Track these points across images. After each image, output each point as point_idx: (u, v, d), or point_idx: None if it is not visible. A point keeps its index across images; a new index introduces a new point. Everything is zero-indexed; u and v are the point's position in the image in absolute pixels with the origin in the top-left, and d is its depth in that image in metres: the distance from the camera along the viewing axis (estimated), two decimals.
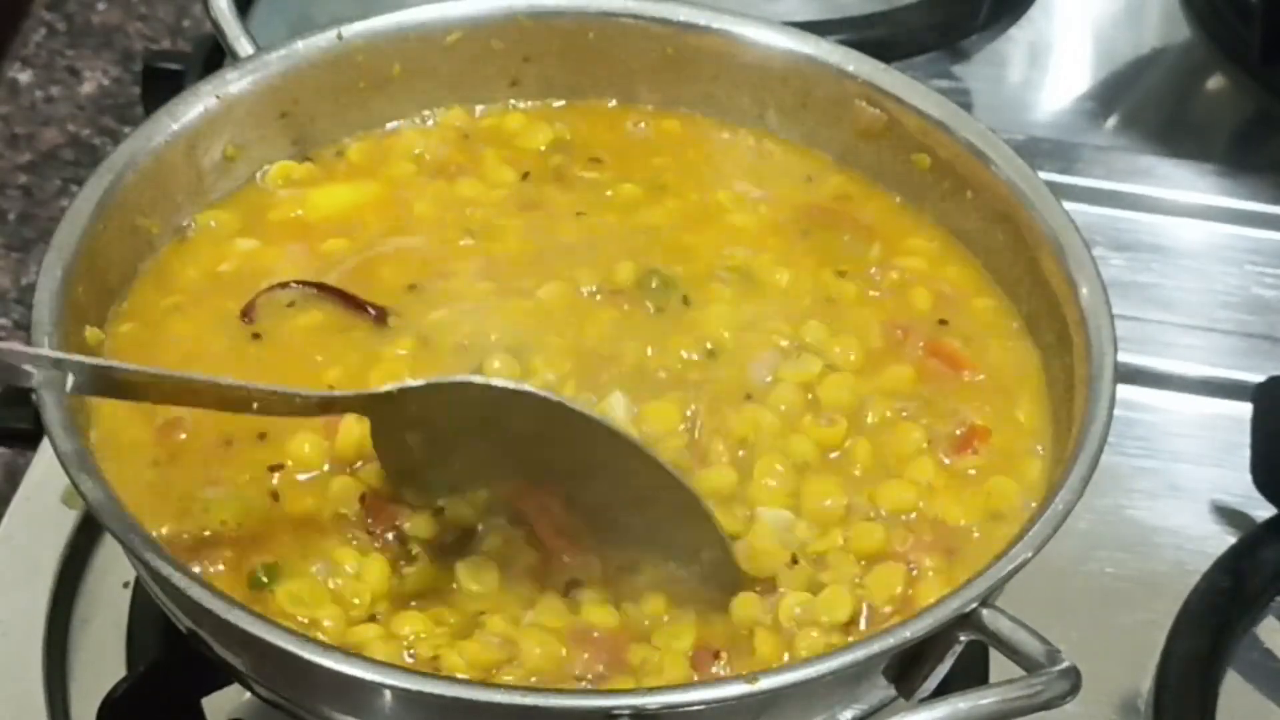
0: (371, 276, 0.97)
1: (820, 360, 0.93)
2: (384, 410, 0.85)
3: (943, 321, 0.96)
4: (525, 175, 1.03)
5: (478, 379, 0.86)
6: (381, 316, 0.94)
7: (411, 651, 0.81)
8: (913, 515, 0.88)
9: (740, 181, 1.04)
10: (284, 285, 0.95)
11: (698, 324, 0.95)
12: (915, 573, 0.86)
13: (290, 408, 0.85)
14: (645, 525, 0.84)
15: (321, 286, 0.95)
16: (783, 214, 1.02)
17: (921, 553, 0.86)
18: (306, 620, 0.82)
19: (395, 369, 0.91)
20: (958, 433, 0.91)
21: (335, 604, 0.83)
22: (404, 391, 0.85)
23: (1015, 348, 0.96)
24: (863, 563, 0.86)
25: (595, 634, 0.83)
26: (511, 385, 0.86)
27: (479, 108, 1.06)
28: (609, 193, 1.02)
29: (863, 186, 1.03)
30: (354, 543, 0.85)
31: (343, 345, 0.93)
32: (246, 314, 0.94)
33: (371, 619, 0.83)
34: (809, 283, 0.98)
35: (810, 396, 0.92)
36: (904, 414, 0.92)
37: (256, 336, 0.93)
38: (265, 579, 0.83)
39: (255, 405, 0.84)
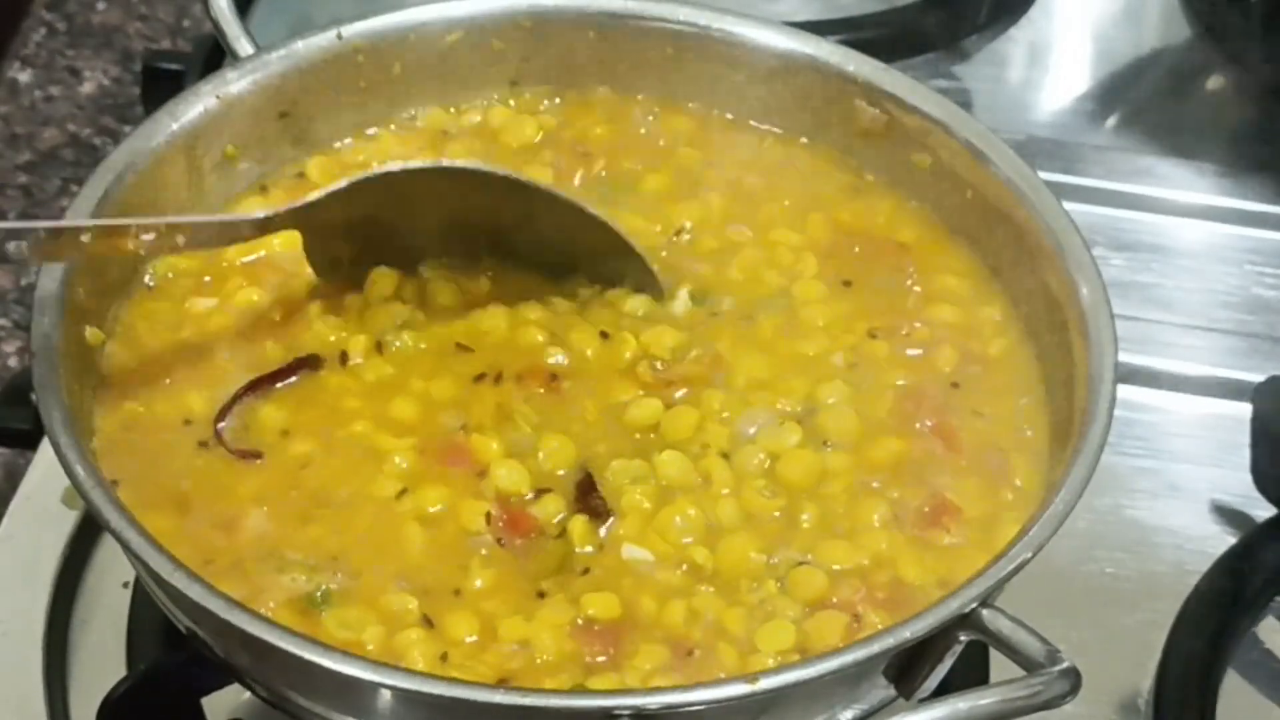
0: None
1: (799, 433, 0.91)
2: (317, 221, 0.92)
3: (955, 385, 0.95)
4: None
5: (395, 166, 0.94)
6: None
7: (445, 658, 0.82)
8: (865, 561, 0.87)
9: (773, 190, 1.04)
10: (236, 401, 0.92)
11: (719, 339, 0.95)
12: (858, 625, 0.84)
13: (233, 234, 0.92)
14: (577, 258, 0.96)
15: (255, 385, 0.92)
16: (822, 235, 1.01)
17: (869, 606, 0.85)
18: (352, 638, 0.82)
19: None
20: (925, 509, 0.89)
21: (379, 623, 0.83)
22: (331, 196, 0.92)
23: (1028, 410, 0.94)
24: (806, 608, 0.85)
25: (597, 626, 0.83)
26: (427, 165, 0.94)
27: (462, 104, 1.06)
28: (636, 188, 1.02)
29: (897, 203, 1.03)
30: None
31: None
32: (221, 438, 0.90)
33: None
34: (843, 334, 0.96)
35: (768, 464, 0.90)
36: (874, 485, 0.90)
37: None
38: (322, 602, 0.84)
39: (202, 239, 0.91)
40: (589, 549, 0.86)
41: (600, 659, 0.83)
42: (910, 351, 0.96)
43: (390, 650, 0.82)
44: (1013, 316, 0.97)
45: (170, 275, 0.96)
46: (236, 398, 0.91)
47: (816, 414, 0.92)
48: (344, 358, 0.92)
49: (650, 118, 1.06)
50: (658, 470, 0.89)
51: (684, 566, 0.86)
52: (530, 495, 0.88)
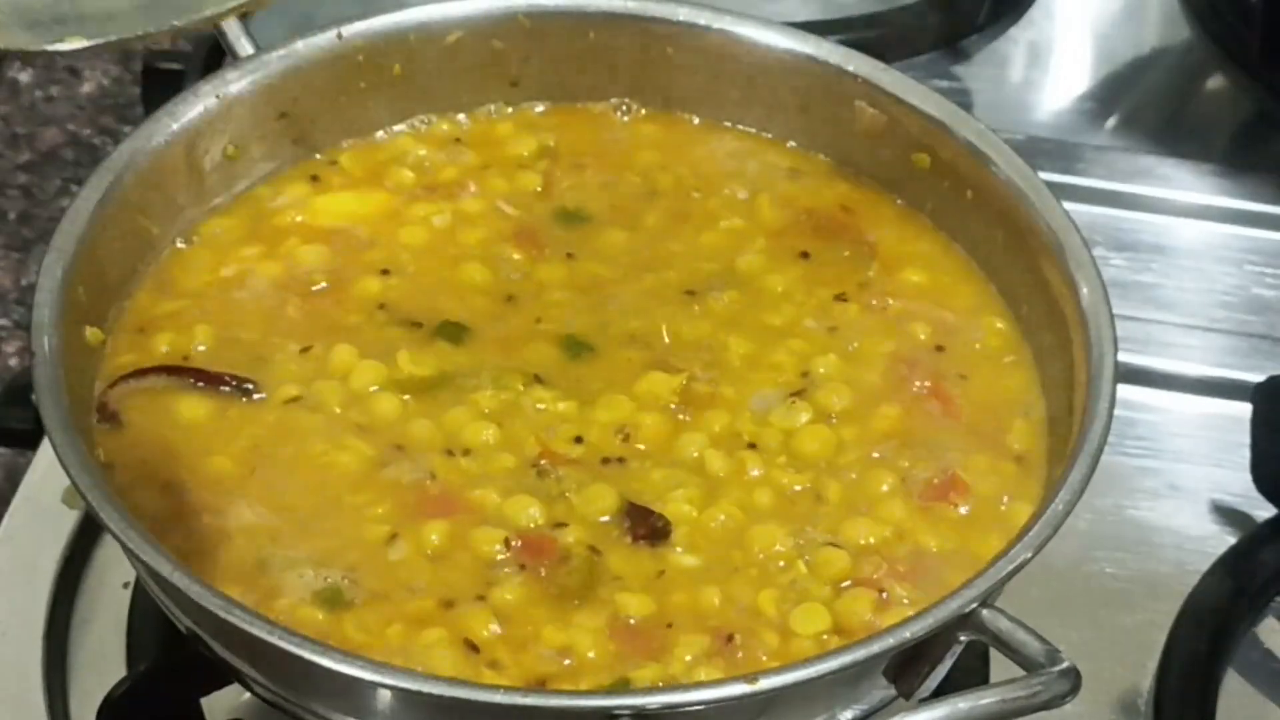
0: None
1: (809, 410, 0.92)
2: None
3: (939, 348, 0.96)
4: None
5: None
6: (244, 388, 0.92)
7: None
8: (886, 533, 0.88)
9: (735, 186, 1.04)
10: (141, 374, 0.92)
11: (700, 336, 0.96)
12: (886, 598, 0.85)
13: None
14: None
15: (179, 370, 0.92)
16: (781, 223, 1.02)
17: (894, 580, 0.86)
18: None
19: None
20: (935, 481, 0.90)
21: (401, 621, 0.83)
22: None
23: (1017, 379, 0.95)
24: (828, 587, 0.86)
25: (634, 622, 0.84)
26: None
27: (461, 116, 1.06)
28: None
29: (863, 194, 1.03)
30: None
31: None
32: (103, 413, 0.90)
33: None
34: (811, 306, 0.98)
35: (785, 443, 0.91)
36: (875, 456, 0.91)
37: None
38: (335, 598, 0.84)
39: None
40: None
41: (641, 654, 0.83)
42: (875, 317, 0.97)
43: (409, 655, 0.82)
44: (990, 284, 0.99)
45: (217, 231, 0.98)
46: (144, 373, 0.91)
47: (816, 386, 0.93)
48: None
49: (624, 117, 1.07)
50: (703, 471, 0.89)
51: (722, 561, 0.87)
52: (550, 527, 0.87)
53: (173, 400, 0.91)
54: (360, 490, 0.88)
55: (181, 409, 0.91)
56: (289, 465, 0.89)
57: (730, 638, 0.83)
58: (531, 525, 0.87)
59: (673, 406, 0.92)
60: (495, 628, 0.83)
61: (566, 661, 0.82)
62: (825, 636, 0.84)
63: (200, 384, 0.91)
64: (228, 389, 0.91)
